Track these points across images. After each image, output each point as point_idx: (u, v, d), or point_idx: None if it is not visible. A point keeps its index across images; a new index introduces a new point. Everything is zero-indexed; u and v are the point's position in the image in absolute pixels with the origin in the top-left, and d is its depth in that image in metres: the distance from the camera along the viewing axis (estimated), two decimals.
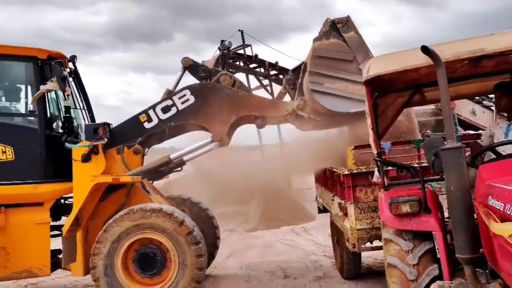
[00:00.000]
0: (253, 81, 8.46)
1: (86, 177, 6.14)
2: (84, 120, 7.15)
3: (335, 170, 6.16)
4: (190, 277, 5.83)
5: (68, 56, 6.97)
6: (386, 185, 4.05)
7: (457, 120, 11.31)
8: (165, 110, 6.68)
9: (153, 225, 5.87)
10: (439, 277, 3.47)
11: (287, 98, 7.28)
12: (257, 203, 11.53)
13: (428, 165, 3.70)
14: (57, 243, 6.51)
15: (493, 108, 12.09)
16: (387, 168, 5.14)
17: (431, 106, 10.61)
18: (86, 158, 6.26)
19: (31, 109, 6.48)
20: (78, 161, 6.26)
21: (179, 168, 7.09)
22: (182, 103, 6.68)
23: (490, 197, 2.85)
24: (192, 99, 6.68)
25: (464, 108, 11.71)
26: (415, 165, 4.90)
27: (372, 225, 5.56)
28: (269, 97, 7.98)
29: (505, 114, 4.36)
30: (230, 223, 11.57)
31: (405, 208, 3.66)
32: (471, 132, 9.82)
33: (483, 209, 2.92)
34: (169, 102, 6.71)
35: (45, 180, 6.28)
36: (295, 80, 6.81)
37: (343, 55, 6.23)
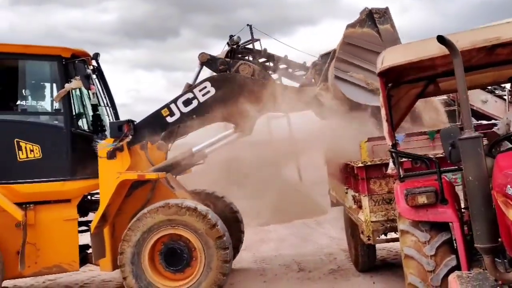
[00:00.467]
0: None
1: (112, 174, 6.23)
2: (108, 117, 7.22)
3: (349, 162, 6.15)
4: (213, 280, 5.86)
5: (91, 54, 7.04)
6: (401, 176, 4.04)
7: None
8: (187, 103, 6.72)
9: (186, 222, 5.90)
10: (457, 267, 3.48)
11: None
12: (269, 197, 11.54)
13: (444, 155, 3.69)
14: (85, 239, 6.64)
15: (505, 97, 11.95)
16: (402, 160, 5.13)
17: (443, 97, 10.51)
18: (111, 155, 6.34)
19: (56, 108, 6.58)
20: (104, 158, 6.35)
21: (201, 161, 7.08)
22: (203, 95, 6.71)
23: (508, 186, 2.84)
24: (212, 91, 6.70)
25: (477, 98, 11.57)
26: (430, 156, 4.88)
27: (386, 217, 5.55)
28: None
29: None
30: (243, 217, 11.61)
31: (422, 199, 3.66)
32: (484, 122, 9.71)
33: (501, 198, 2.90)
34: (190, 95, 6.74)
35: (72, 177, 6.38)
36: (322, 66, 6.74)
37: (373, 47, 6.13)
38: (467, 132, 2.98)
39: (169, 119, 6.73)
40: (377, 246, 6.91)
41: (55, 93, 6.60)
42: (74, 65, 6.53)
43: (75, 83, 6.41)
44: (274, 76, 8.67)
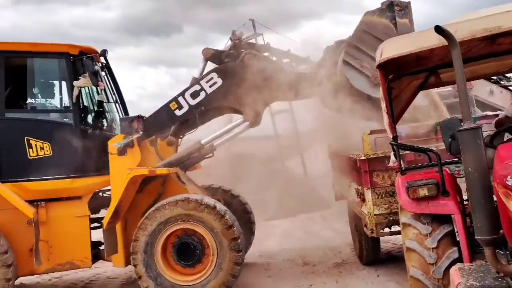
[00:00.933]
0: None
1: (122, 170, 6.25)
2: (118, 114, 7.24)
3: (351, 156, 6.12)
4: (222, 281, 5.85)
5: (99, 51, 7.05)
6: (402, 169, 4.01)
7: (474, 101, 11.11)
8: (194, 95, 6.71)
9: (203, 219, 5.88)
10: (459, 259, 3.45)
11: None
12: (274, 191, 11.55)
13: (445, 147, 3.66)
14: (97, 236, 6.69)
15: (511, 88, 11.84)
16: (404, 152, 5.09)
17: (448, 88, 10.43)
18: (122, 151, 6.37)
19: (66, 105, 6.60)
20: (115, 155, 6.37)
21: (211, 154, 7.05)
22: (210, 86, 6.69)
23: (509, 177, 2.81)
24: (219, 82, 6.68)
25: (482, 89, 11.47)
26: (433, 148, 4.85)
27: (390, 210, 5.54)
28: None
29: None
30: None
31: (423, 192, 3.63)
32: (490, 113, 9.63)
33: (502, 189, 2.88)
34: (197, 87, 6.73)
35: (82, 174, 6.42)
36: (336, 51, 6.66)
37: (387, 38, 6.07)
38: (466, 123, 2.94)
39: (178, 112, 6.72)
40: (382, 239, 6.90)
41: (64, 91, 6.63)
42: (82, 62, 6.55)
43: (83, 80, 6.43)
44: None
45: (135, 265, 5.91)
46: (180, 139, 7.05)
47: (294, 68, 7.74)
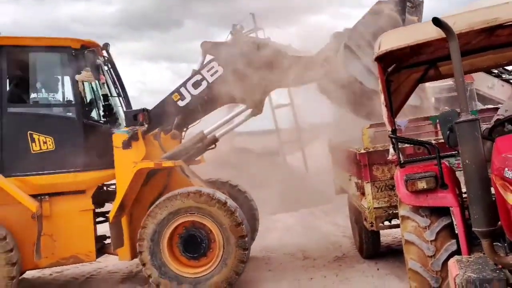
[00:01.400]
0: None
1: (128, 164, 6.25)
2: (121, 107, 7.22)
3: (351, 149, 6.12)
4: (225, 277, 5.87)
5: (101, 44, 7.04)
6: (401, 162, 4.01)
7: (475, 95, 11.08)
8: (196, 85, 6.70)
9: (213, 214, 5.89)
10: (457, 252, 3.45)
11: None
12: (275, 186, 11.56)
13: (443, 140, 3.65)
14: (102, 229, 6.73)
15: None
16: (404, 146, 5.09)
17: (449, 82, 10.41)
18: (127, 145, 6.36)
19: (68, 99, 6.61)
20: (119, 148, 6.36)
21: (213, 145, 7.06)
22: (212, 75, 6.69)
23: (506, 169, 2.80)
24: (220, 70, 6.68)
25: (483, 83, 11.45)
26: (432, 141, 4.84)
27: (389, 204, 5.55)
28: None
29: None
30: None
31: (421, 185, 3.63)
32: (491, 106, 9.61)
33: (499, 181, 2.87)
34: (198, 77, 6.73)
35: (85, 168, 6.41)
36: (343, 38, 6.60)
37: None
38: (463, 116, 2.94)
39: (181, 103, 6.72)
40: (382, 232, 6.91)
41: (66, 85, 6.66)
42: (84, 55, 6.54)
43: (85, 74, 6.42)
44: None
45: (140, 252, 5.92)
46: (183, 132, 7.05)
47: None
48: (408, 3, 6.02)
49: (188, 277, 5.92)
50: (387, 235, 7.73)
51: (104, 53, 7.12)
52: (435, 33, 3.29)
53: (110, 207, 6.47)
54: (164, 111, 6.75)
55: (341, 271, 6.43)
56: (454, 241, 3.51)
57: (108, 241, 6.75)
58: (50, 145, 6.31)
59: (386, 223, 5.76)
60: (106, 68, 7.11)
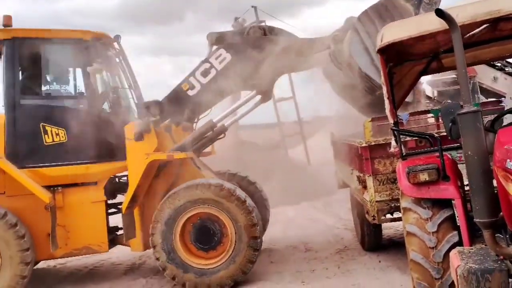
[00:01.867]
0: None
1: (140, 155, 6.27)
2: (133, 99, 7.24)
3: (353, 143, 6.12)
4: (232, 273, 5.90)
5: (112, 36, 7.05)
6: (403, 154, 4.02)
7: (478, 88, 11.07)
8: (205, 73, 6.70)
9: (230, 210, 5.91)
10: (459, 243, 3.46)
11: None
12: (277, 179, 11.60)
13: (446, 132, 3.65)
14: (114, 221, 6.78)
15: None
16: (406, 139, 5.09)
17: (452, 75, 10.39)
18: (139, 137, 6.37)
19: (80, 91, 6.65)
20: (132, 140, 6.39)
21: (222, 135, 7.05)
22: (220, 62, 6.68)
23: (508, 160, 2.81)
24: (228, 57, 6.67)
25: (486, 76, 11.44)
26: (434, 134, 4.84)
27: (391, 197, 5.55)
28: None
29: None
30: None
31: (423, 177, 3.64)
32: (493, 99, 9.60)
33: (502, 173, 2.88)
34: (207, 65, 6.72)
35: (97, 160, 6.47)
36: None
37: None
38: (466, 107, 2.94)
39: (191, 93, 6.72)
40: (384, 225, 6.93)
41: (78, 77, 6.70)
42: (95, 47, 6.56)
43: (97, 66, 6.44)
44: None
45: (152, 234, 5.95)
46: (195, 124, 7.06)
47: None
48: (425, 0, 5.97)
49: (194, 267, 5.94)
50: (389, 228, 7.76)
51: (116, 45, 7.14)
52: (438, 24, 3.29)
53: (122, 199, 6.53)
54: (175, 102, 6.73)
55: (343, 263, 6.46)
56: (455, 232, 3.52)
57: (120, 232, 6.80)
58: (62, 137, 6.36)
59: (388, 216, 5.76)
60: (117, 60, 7.12)
